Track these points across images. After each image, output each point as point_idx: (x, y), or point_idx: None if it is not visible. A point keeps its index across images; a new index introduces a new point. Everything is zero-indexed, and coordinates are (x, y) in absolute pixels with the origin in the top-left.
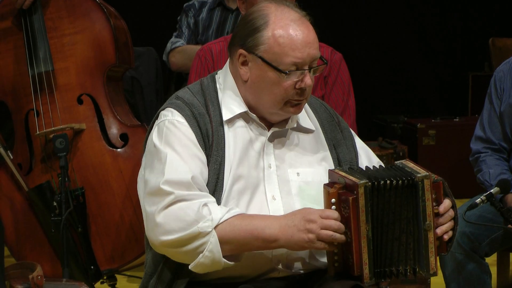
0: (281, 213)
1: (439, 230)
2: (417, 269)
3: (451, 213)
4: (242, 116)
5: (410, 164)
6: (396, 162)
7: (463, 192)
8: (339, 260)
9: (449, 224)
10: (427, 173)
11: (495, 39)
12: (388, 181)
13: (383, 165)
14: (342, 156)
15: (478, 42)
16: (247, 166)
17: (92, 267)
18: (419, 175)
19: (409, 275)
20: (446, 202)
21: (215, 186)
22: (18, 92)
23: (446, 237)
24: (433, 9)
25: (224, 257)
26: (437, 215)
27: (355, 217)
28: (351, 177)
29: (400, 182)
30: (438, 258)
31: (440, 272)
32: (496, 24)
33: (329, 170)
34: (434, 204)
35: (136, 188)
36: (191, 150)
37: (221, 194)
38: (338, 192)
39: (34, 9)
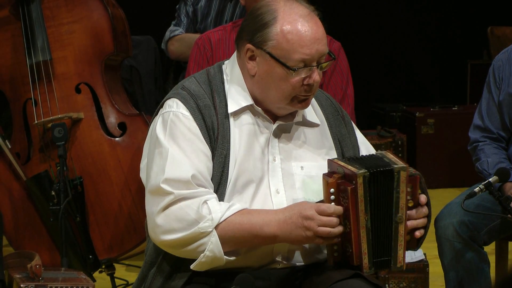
0: (284, 206)
1: (410, 223)
2: (387, 260)
3: (425, 210)
4: (248, 108)
5: (390, 155)
6: (377, 152)
7: (462, 181)
8: (339, 250)
9: (422, 221)
10: (405, 165)
11: (493, 27)
12: (381, 170)
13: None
14: (346, 150)
15: (477, 30)
16: (252, 159)
17: (90, 256)
18: (396, 166)
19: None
20: (423, 197)
21: (220, 179)
22: (16, 81)
23: (418, 234)
24: None
25: (225, 253)
26: (410, 209)
27: (354, 207)
28: (350, 167)
29: (381, 171)
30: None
31: (438, 261)
32: (495, 12)
33: (328, 159)
34: (408, 197)
35: (135, 177)
36: (195, 144)
37: (226, 188)
38: (337, 182)
39: None
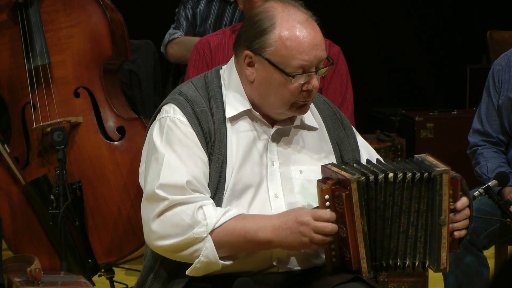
0: (282, 212)
1: (454, 226)
2: (427, 263)
3: (467, 211)
4: (246, 113)
5: (430, 158)
6: (416, 155)
7: None
8: (337, 255)
9: (464, 223)
10: (446, 168)
11: (493, 31)
12: (391, 174)
13: (382, 161)
14: (345, 153)
15: (476, 34)
16: (250, 164)
17: (89, 260)
18: (438, 169)
19: (416, 268)
20: (464, 199)
21: (217, 185)
22: (15, 85)
23: (456, 234)
24: (431, 2)
25: (221, 258)
26: (453, 211)
27: (349, 213)
28: (343, 173)
29: (409, 175)
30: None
31: None
32: (494, 16)
33: (321, 166)
34: (450, 200)
35: (133, 181)
36: (191, 150)
37: (223, 193)
38: (331, 188)
39: (30, 2)
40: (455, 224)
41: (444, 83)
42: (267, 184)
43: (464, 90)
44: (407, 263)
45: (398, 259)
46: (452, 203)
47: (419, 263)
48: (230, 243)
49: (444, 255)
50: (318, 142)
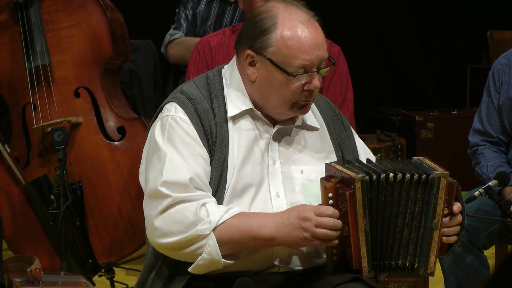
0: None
1: (444, 231)
2: (416, 265)
3: (459, 218)
4: (248, 112)
5: (428, 161)
6: (414, 157)
7: (461, 185)
8: (338, 253)
9: (455, 229)
10: (445, 172)
11: (493, 31)
12: (391, 174)
13: (381, 162)
14: (347, 154)
15: (476, 34)
16: (251, 163)
17: (90, 260)
18: (436, 172)
19: (406, 270)
20: (458, 204)
21: (218, 183)
22: (15, 85)
23: (444, 238)
24: (431, 1)
25: (223, 256)
26: (446, 216)
27: (352, 212)
28: (347, 171)
29: (408, 176)
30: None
31: (438, 265)
32: (494, 16)
33: (325, 163)
34: (445, 205)
35: (134, 181)
36: (193, 148)
37: (224, 192)
38: (335, 186)
39: (30, 2)
40: (446, 230)
41: (444, 83)
42: (269, 183)
43: (464, 90)
44: (399, 263)
45: (393, 260)
46: (446, 208)
47: (409, 265)
48: (233, 240)
49: (432, 259)
50: (319, 142)
